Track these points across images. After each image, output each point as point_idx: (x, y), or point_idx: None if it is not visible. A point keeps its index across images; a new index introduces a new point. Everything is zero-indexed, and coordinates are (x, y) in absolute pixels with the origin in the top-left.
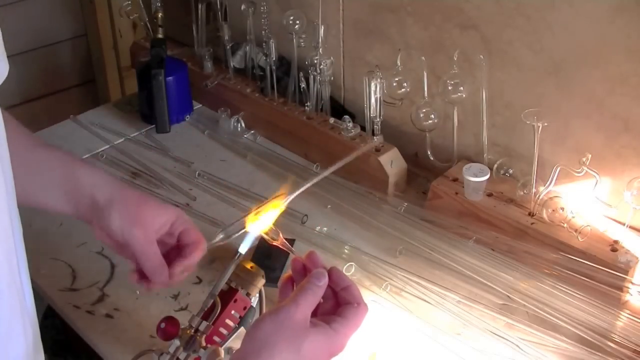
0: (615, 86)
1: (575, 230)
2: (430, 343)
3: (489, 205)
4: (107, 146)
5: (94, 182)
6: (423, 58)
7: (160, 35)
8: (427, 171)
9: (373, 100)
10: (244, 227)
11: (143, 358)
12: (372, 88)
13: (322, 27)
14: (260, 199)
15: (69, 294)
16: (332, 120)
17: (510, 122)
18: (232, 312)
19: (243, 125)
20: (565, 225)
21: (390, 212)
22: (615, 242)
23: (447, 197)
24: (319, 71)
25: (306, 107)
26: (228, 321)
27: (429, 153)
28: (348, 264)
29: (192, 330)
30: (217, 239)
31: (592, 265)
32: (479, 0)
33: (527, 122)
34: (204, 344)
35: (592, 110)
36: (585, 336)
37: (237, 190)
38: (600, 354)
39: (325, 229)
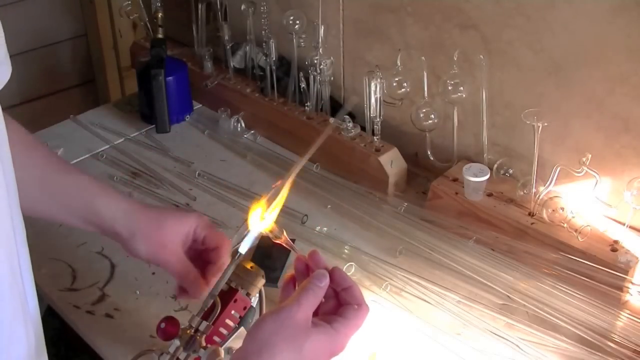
0: (615, 86)
1: (575, 230)
2: (430, 343)
3: (489, 205)
4: (107, 146)
5: (113, 216)
6: (423, 58)
7: (160, 35)
8: (427, 171)
9: (373, 100)
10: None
11: (143, 358)
12: (372, 88)
13: (322, 27)
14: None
15: (69, 294)
16: (332, 120)
17: (510, 122)
18: (232, 312)
19: (243, 125)
20: (565, 225)
21: (390, 212)
22: (615, 242)
23: (447, 197)
24: (319, 71)
25: (306, 107)
26: (228, 321)
27: (429, 153)
28: (348, 264)
29: (192, 330)
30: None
31: (592, 265)
32: (479, 0)
33: (527, 122)
34: (204, 344)
35: (592, 110)
36: (585, 336)
37: (237, 190)
38: (600, 354)
39: (325, 229)
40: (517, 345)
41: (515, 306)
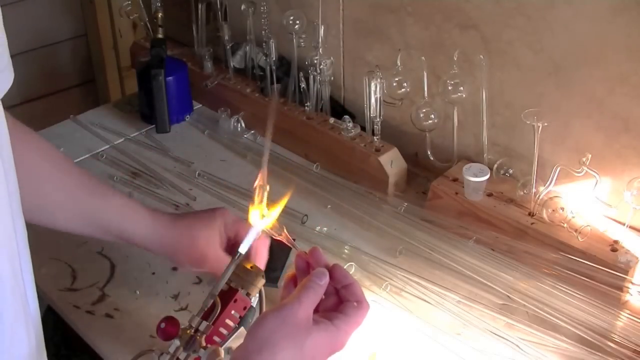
0: (615, 86)
1: (575, 230)
2: (430, 343)
3: (489, 205)
4: (107, 146)
5: (144, 237)
6: (423, 58)
7: (160, 35)
8: (427, 171)
9: (373, 100)
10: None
11: (143, 358)
12: (372, 88)
13: (322, 27)
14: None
15: (69, 294)
16: (332, 120)
17: (510, 122)
18: (232, 312)
19: (243, 125)
20: (565, 225)
21: (390, 212)
22: (615, 242)
23: (447, 197)
24: (319, 71)
25: (306, 107)
26: (228, 321)
27: (429, 153)
28: (348, 264)
29: (192, 330)
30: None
31: (592, 265)
32: (479, 0)
33: (527, 122)
34: (204, 344)
35: (592, 110)
36: (585, 336)
37: (237, 190)
38: (600, 354)
39: (325, 229)
40: (517, 345)
41: (515, 306)
